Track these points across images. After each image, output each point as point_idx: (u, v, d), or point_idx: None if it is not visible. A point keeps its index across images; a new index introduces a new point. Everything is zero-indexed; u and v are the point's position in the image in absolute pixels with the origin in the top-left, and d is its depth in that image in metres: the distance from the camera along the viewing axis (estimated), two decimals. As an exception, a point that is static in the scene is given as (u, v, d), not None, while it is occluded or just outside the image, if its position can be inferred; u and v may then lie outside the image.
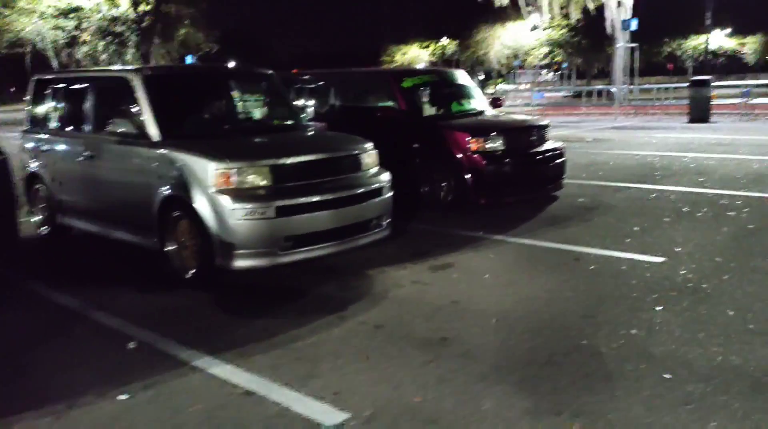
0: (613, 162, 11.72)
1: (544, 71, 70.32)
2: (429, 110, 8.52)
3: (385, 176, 5.92)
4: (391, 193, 5.89)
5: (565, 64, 61.79)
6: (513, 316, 4.46)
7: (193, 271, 5.36)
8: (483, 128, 7.88)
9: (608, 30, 30.88)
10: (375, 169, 5.97)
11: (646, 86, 31.04)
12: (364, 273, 5.66)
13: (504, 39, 59.52)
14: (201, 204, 5.07)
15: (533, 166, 8.04)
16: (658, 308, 4.49)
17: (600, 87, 33.56)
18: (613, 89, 27.71)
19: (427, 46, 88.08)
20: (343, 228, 5.41)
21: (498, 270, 5.60)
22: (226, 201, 4.96)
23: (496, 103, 9.73)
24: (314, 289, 5.34)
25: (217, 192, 5.01)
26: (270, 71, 7.09)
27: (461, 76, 9.30)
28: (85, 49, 33.38)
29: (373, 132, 8.33)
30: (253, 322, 4.59)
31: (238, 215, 4.92)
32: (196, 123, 6.23)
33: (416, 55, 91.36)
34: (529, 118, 9.17)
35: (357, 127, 8.61)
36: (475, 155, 7.57)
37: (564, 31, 51.16)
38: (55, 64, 35.37)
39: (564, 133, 17.64)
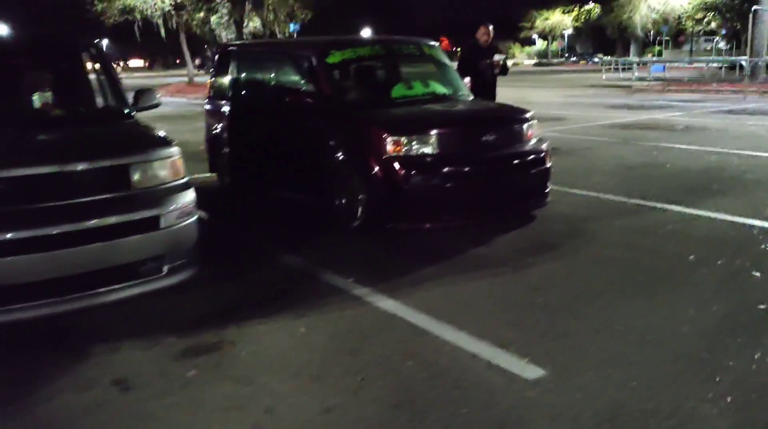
0: (674, 163, 8.84)
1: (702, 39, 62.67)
2: (357, 95, 6.42)
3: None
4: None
5: (723, 32, 54.34)
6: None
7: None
8: (407, 123, 5.68)
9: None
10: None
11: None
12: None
13: (652, 1, 53.35)
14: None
15: (489, 177, 5.71)
16: None
17: (738, 59, 28.40)
18: (744, 62, 23.10)
19: (570, 11, 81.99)
20: None
21: (296, 364, 3.54)
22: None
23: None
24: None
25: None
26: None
27: (426, 49, 7.02)
28: (186, 17, 33.47)
29: (281, 123, 6.56)
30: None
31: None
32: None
33: (559, 21, 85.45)
34: (502, 109, 6.60)
35: (266, 116, 6.82)
36: (393, 161, 5.41)
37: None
38: (162, 32, 35.90)
39: (659, 117, 14.51)
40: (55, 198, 3.76)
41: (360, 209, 5.70)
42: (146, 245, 3.99)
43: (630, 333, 3.68)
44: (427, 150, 5.51)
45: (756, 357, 3.36)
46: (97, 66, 5.14)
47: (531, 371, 3.25)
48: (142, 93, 5.31)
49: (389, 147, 5.43)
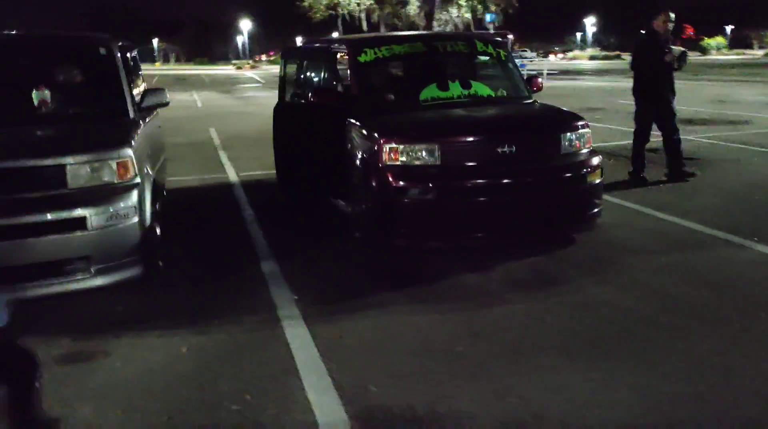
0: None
1: None
2: (383, 96, 5.94)
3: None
4: None
5: None
6: None
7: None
8: (409, 129, 5.11)
9: None
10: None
11: None
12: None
13: None
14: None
15: (505, 194, 4.96)
16: None
17: None
18: None
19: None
20: None
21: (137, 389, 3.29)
22: None
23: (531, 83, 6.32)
24: None
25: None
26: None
27: (480, 45, 6.28)
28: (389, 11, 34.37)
29: (317, 124, 6.30)
30: None
31: None
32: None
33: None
34: (541, 116, 5.70)
35: (305, 116, 6.57)
36: (390, 171, 4.92)
37: None
38: (364, 25, 37.23)
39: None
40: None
41: (363, 221, 5.31)
42: (71, 245, 4.02)
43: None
44: (429, 160, 4.92)
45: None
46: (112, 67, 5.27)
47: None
48: (150, 92, 5.42)
49: (385, 155, 4.94)
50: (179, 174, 8.72)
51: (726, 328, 3.71)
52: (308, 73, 6.95)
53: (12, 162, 4.05)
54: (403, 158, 4.92)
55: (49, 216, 3.93)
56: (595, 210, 5.30)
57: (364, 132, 5.29)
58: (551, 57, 76.73)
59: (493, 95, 5.93)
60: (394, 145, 4.92)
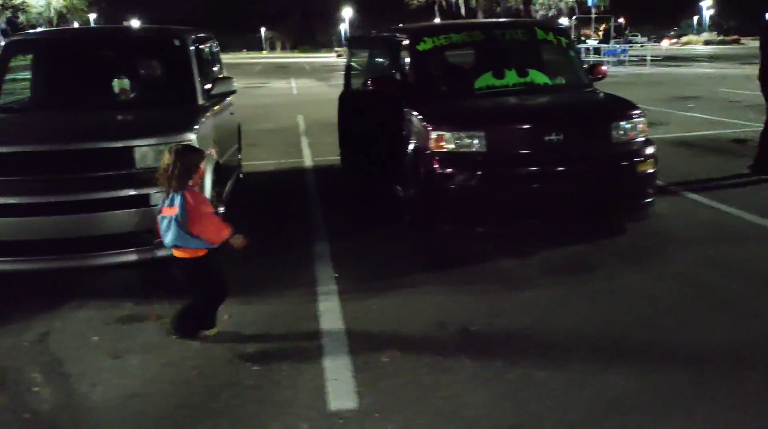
0: None
1: None
2: (439, 84, 6.08)
3: None
4: None
5: None
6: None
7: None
8: (456, 117, 5.25)
9: None
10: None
11: None
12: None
13: None
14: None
15: (551, 182, 5.03)
16: None
17: None
18: None
19: None
20: None
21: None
22: None
23: (594, 72, 6.24)
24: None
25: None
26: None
27: (541, 33, 6.28)
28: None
29: (376, 111, 6.53)
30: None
31: None
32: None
33: None
34: (593, 104, 5.66)
35: (364, 103, 6.75)
36: (436, 157, 5.10)
37: None
38: (462, 11, 37.05)
39: None
40: (62, 172, 4.43)
41: (411, 205, 5.51)
42: (137, 219, 4.47)
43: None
44: (475, 147, 5.05)
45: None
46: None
47: None
48: (219, 81, 5.85)
49: (432, 142, 5.12)
50: (260, 158, 9.24)
51: (753, 320, 3.66)
52: (371, 62, 7.20)
53: (88, 144, 4.55)
54: (450, 145, 5.07)
55: (119, 193, 4.40)
56: (647, 199, 5.25)
57: (415, 119, 5.48)
58: (665, 42, 73.15)
59: (550, 83, 5.95)
60: (441, 133, 5.08)
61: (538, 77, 5.93)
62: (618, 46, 36.04)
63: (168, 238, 3.47)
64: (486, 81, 5.87)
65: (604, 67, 6.47)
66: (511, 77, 5.89)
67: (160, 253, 4.53)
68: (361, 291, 4.30)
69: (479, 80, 5.88)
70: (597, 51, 34.53)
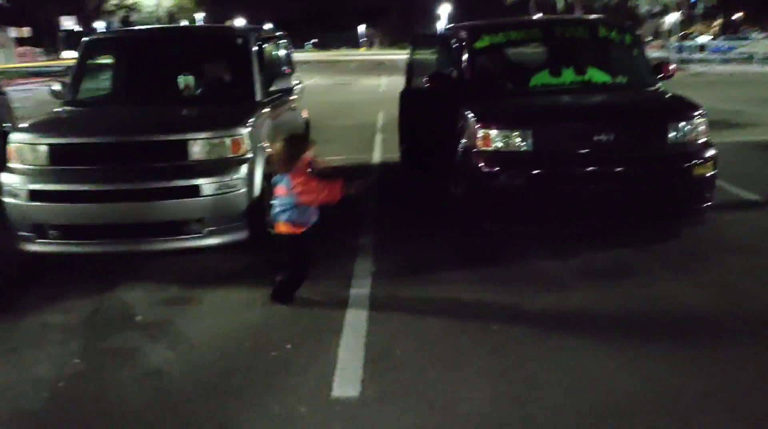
0: None
1: None
2: (495, 82, 6.02)
3: None
4: None
5: None
6: None
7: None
8: (504, 116, 5.19)
9: None
10: None
11: None
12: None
13: None
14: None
15: (599, 183, 4.90)
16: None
17: None
18: None
19: None
20: None
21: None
22: None
23: (660, 71, 5.95)
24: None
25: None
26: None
27: (603, 30, 6.08)
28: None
29: (434, 109, 6.55)
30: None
31: None
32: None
33: None
34: (650, 105, 5.44)
35: (423, 101, 6.75)
36: (482, 156, 5.09)
37: None
38: (559, 6, 36.15)
39: None
40: (122, 161, 4.77)
41: (458, 203, 5.53)
42: (189, 208, 4.75)
43: None
44: (522, 147, 5.00)
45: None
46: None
47: None
48: (278, 78, 6.07)
49: (479, 140, 5.11)
50: (332, 154, 9.44)
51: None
52: (431, 60, 7.23)
53: (147, 136, 4.88)
54: (497, 144, 5.03)
55: (172, 183, 4.68)
56: (704, 204, 5.01)
57: (465, 117, 5.47)
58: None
59: (609, 82, 5.78)
60: (487, 131, 5.06)
61: (597, 76, 5.78)
62: (725, 42, 33.97)
63: (283, 216, 3.95)
64: (541, 79, 5.78)
65: (671, 66, 6.20)
66: (568, 76, 5.77)
67: (210, 241, 4.86)
68: (393, 286, 4.38)
69: (534, 78, 5.80)
70: (702, 48, 32.71)
